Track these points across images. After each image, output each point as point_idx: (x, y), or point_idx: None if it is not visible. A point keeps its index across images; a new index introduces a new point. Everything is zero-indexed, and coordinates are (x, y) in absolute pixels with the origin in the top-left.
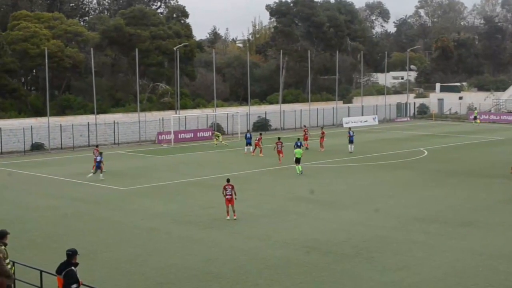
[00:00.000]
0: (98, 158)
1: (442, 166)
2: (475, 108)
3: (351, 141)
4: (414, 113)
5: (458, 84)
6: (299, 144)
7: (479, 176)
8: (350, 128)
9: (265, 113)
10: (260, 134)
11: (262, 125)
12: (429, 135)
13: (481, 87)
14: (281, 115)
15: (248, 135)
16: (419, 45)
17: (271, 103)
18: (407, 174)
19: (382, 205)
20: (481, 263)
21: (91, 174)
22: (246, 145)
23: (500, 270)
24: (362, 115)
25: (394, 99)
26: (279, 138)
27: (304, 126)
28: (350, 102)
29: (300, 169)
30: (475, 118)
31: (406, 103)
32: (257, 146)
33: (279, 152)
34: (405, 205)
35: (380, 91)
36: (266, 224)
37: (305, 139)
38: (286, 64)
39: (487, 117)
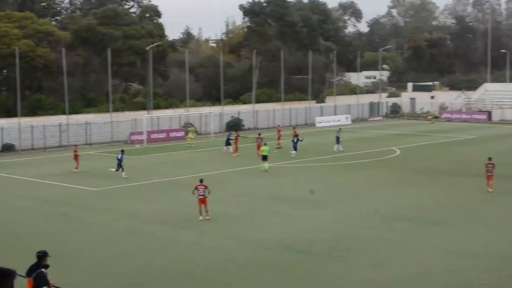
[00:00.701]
0: (120, 156)
1: (414, 165)
2: (446, 107)
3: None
4: (386, 113)
5: (430, 83)
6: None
7: (450, 175)
8: (340, 129)
9: (238, 112)
10: (237, 132)
11: (235, 125)
12: (401, 134)
13: (453, 86)
14: (255, 114)
15: (230, 135)
16: (392, 45)
17: (244, 103)
18: (380, 173)
19: (354, 204)
20: (452, 261)
21: (113, 170)
22: (226, 145)
23: (471, 268)
24: (335, 114)
25: (367, 98)
26: (259, 134)
27: (278, 125)
28: (323, 101)
29: (266, 167)
30: (435, 117)
31: (378, 103)
32: (235, 146)
33: (259, 147)
34: (377, 204)
35: (353, 90)
36: (240, 224)
37: (278, 138)
38: (259, 64)
39: (458, 116)
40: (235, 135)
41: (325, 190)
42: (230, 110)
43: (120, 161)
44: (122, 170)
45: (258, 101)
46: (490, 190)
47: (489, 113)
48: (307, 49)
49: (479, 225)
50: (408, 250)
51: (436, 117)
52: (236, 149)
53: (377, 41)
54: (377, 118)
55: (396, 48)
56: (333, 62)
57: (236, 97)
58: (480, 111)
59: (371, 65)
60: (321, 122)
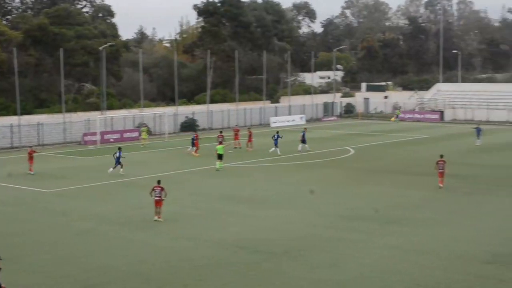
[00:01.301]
0: (118, 154)
1: (368, 164)
2: (399, 107)
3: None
4: (340, 112)
5: (383, 83)
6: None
7: (404, 174)
8: (305, 128)
9: (193, 113)
10: (196, 132)
11: (190, 125)
12: (355, 134)
13: (406, 87)
14: (209, 115)
15: (195, 136)
16: (346, 45)
17: (198, 103)
18: (335, 172)
19: (310, 204)
20: (407, 260)
21: (111, 170)
22: (192, 145)
23: (424, 266)
24: (290, 114)
25: (321, 98)
26: (220, 132)
27: (236, 125)
28: (278, 101)
29: (219, 166)
30: (397, 116)
31: (332, 103)
32: (196, 146)
33: (220, 144)
34: (333, 203)
35: (307, 90)
36: (196, 224)
37: (236, 139)
38: (213, 64)
39: (411, 115)
40: (195, 135)
41: (281, 190)
42: (185, 111)
43: (118, 159)
44: (121, 167)
45: (212, 101)
46: (441, 185)
47: (441, 113)
48: (262, 49)
49: (433, 223)
50: (363, 249)
51: (397, 116)
52: (196, 149)
53: (331, 42)
54: (332, 118)
55: (350, 49)
56: (287, 63)
57: (190, 97)
58: (433, 111)
59: (325, 65)
60: (275, 122)
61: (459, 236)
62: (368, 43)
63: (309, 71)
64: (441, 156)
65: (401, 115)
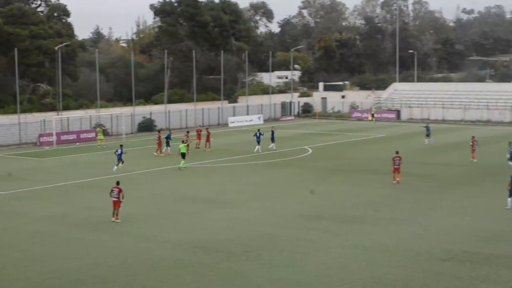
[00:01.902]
0: (119, 151)
1: (326, 164)
2: (375, 107)
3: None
4: (298, 112)
5: (340, 83)
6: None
7: (362, 173)
8: (273, 127)
9: (150, 113)
10: (159, 132)
11: (147, 126)
12: (313, 134)
13: (363, 86)
14: (167, 115)
15: (169, 136)
16: (303, 45)
17: (156, 103)
18: (293, 172)
19: (269, 203)
20: (365, 258)
21: (116, 168)
22: (167, 145)
23: (382, 264)
24: (248, 114)
25: (279, 98)
26: (187, 131)
27: (199, 126)
28: (236, 101)
29: (182, 164)
30: (373, 116)
31: (290, 102)
32: (159, 146)
33: (183, 142)
34: (291, 203)
35: (265, 90)
36: (154, 225)
37: (198, 139)
38: (171, 64)
39: (368, 115)
40: (158, 135)
41: (240, 190)
42: (142, 111)
43: (120, 155)
44: (122, 163)
45: (170, 101)
46: (395, 182)
47: (398, 112)
48: (219, 49)
49: (391, 222)
50: (322, 248)
51: (373, 115)
52: (157, 149)
53: (288, 41)
54: (289, 118)
55: (307, 48)
56: (245, 62)
57: (147, 98)
58: (390, 110)
59: (283, 65)
60: (233, 122)
61: (416, 234)
62: (325, 43)
63: (267, 70)
64: (397, 152)
65: (356, 115)
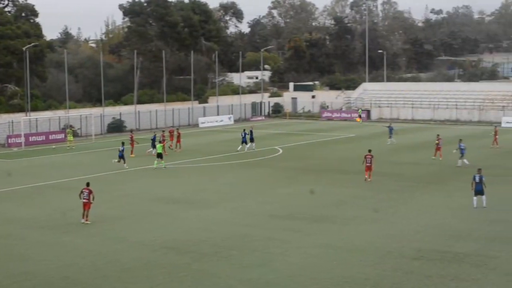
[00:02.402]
0: (121, 148)
1: (297, 164)
2: (360, 108)
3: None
4: (268, 112)
5: (310, 83)
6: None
7: (332, 172)
8: (252, 126)
9: (120, 114)
10: (132, 132)
11: (117, 126)
12: (284, 134)
13: (333, 86)
14: (136, 115)
15: (155, 137)
16: (273, 45)
17: (126, 103)
18: (264, 172)
19: (241, 203)
20: (336, 257)
21: (115, 160)
22: (153, 146)
23: (353, 263)
24: (218, 114)
25: (249, 98)
26: (163, 131)
27: (172, 127)
28: (206, 102)
29: (156, 164)
30: (360, 117)
31: (260, 103)
32: (132, 146)
33: (160, 142)
34: (262, 203)
35: (235, 90)
36: (125, 226)
37: (171, 139)
38: (140, 64)
39: (338, 115)
40: (130, 136)
41: (212, 190)
42: (112, 111)
43: (121, 152)
44: (124, 162)
45: (140, 102)
46: (369, 179)
47: (368, 112)
48: (189, 50)
49: (361, 221)
50: (293, 248)
51: (360, 116)
52: (131, 150)
53: (258, 42)
54: (260, 118)
55: (277, 49)
56: (215, 63)
57: (117, 98)
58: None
59: (253, 65)
60: (204, 123)
61: (387, 233)
62: (295, 43)
63: (237, 71)
64: (369, 150)
65: (326, 114)
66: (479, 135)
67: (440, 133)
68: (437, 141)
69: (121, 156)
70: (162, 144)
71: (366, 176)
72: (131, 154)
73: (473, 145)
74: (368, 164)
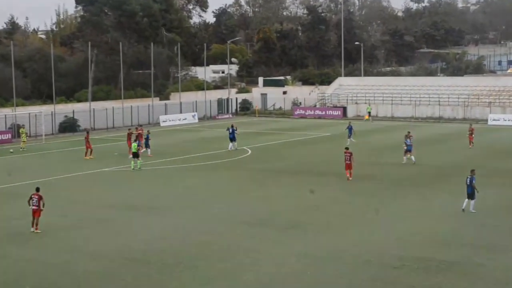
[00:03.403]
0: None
1: (267, 166)
2: (369, 105)
3: (232, 138)
4: (236, 109)
5: (282, 78)
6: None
7: (306, 175)
8: (232, 125)
9: (73, 112)
10: (87, 131)
11: (69, 126)
12: (253, 133)
13: (306, 81)
14: (91, 114)
15: (148, 136)
16: (240, 37)
17: (79, 100)
18: (231, 175)
19: (206, 209)
20: (310, 266)
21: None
22: (146, 147)
23: (327, 273)
24: (181, 112)
25: (215, 94)
26: (136, 128)
27: (140, 126)
28: (168, 98)
29: (134, 165)
30: (369, 114)
31: (227, 99)
32: (88, 148)
33: (129, 143)
34: (230, 208)
35: (200, 86)
36: (79, 235)
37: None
38: (95, 58)
39: (312, 112)
40: (85, 136)
41: (174, 194)
42: (64, 109)
43: (146, 141)
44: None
45: (94, 98)
46: (350, 178)
47: (344, 109)
48: (149, 41)
49: (338, 227)
50: (263, 257)
51: (369, 113)
52: (87, 151)
53: (224, 33)
54: (226, 116)
55: (245, 40)
56: (177, 56)
57: (70, 95)
58: (335, 107)
59: (219, 59)
60: (166, 121)
61: (366, 239)
62: (265, 34)
63: (201, 64)
64: (347, 148)
65: (299, 112)
66: (464, 133)
67: (422, 131)
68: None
69: (147, 145)
70: (136, 143)
71: (348, 175)
72: (85, 156)
73: (456, 145)
74: (347, 162)
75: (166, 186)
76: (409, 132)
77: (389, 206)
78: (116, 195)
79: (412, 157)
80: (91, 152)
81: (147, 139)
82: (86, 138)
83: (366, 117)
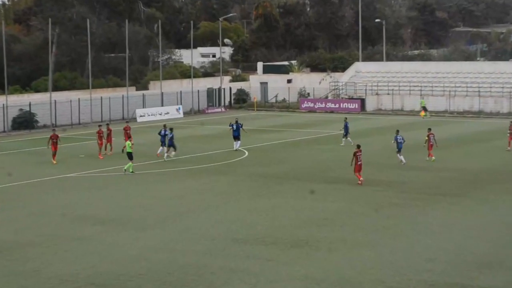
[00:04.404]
0: (170, 135)
1: (267, 170)
2: (422, 98)
3: (236, 137)
4: (230, 102)
5: (285, 63)
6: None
7: (314, 181)
8: (236, 121)
9: (30, 104)
10: (54, 130)
11: (25, 121)
12: (250, 130)
13: (315, 67)
14: (52, 106)
15: (163, 132)
16: (235, 13)
17: (37, 90)
18: (224, 181)
19: (192, 223)
20: None
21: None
22: (164, 145)
23: None
24: (162, 105)
25: (204, 83)
26: (127, 122)
27: (127, 122)
28: (146, 88)
29: (127, 166)
30: (425, 109)
31: (219, 89)
32: (53, 150)
33: (107, 141)
34: (222, 222)
35: (186, 73)
36: (37, 255)
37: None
38: (57, 38)
39: (323, 105)
40: (51, 135)
41: (154, 205)
42: (18, 101)
43: (171, 140)
44: (174, 149)
45: (56, 88)
46: (359, 183)
47: (362, 101)
48: (123, 18)
49: (351, 245)
50: (262, 282)
51: (424, 108)
52: (101, 148)
53: (215, 8)
54: (218, 110)
55: (240, 17)
56: (158, 36)
57: (26, 83)
58: (351, 99)
59: (209, 39)
60: (143, 116)
61: (385, 260)
62: (265, 10)
63: (187, 47)
64: (358, 146)
65: (306, 105)
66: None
67: (457, 128)
68: (427, 137)
69: (171, 144)
70: (129, 141)
71: (360, 179)
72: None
73: (499, 145)
74: (359, 163)
75: (145, 195)
76: (429, 129)
77: (413, 219)
78: (83, 206)
79: (402, 157)
80: (111, 148)
81: (163, 135)
82: (98, 133)
83: (422, 113)
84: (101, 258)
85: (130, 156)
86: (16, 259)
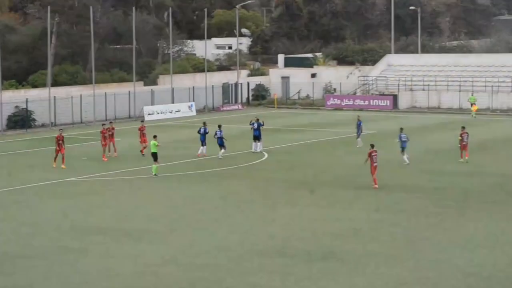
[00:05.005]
0: (219, 134)
1: (289, 175)
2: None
3: (257, 136)
4: (248, 98)
5: (310, 55)
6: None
7: (341, 187)
8: (257, 119)
9: (26, 101)
10: (60, 130)
11: (22, 120)
12: (270, 130)
13: (342, 60)
14: (51, 104)
15: (202, 130)
16: None
17: (35, 86)
18: (241, 186)
19: (203, 234)
20: None
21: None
22: (205, 145)
23: None
24: (173, 102)
25: (219, 78)
26: (111, 122)
27: (142, 122)
28: (155, 83)
29: (154, 171)
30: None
31: (236, 84)
32: (104, 146)
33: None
34: (238, 232)
35: (199, 66)
36: (27, 270)
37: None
38: (56, 27)
39: (351, 102)
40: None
41: (161, 214)
42: (14, 97)
43: (221, 140)
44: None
45: (56, 83)
46: (376, 186)
47: (394, 97)
48: (129, 6)
49: (384, 259)
50: None
51: (473, 104)
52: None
53: None
54: (235, 107)
55: (260, 5)
56: (168, 25)
57: (22, 78)
58: (382, 95)
59: (225, 29)
60: (152, 114)
61: (422, 276)
62: None
63: (200, 37)
64: (372, 146)
65: (332, 102)
66: None
67: (500, 128)
68: (460, 137)
69: (221, 144)
70: (156, 141)
71: (375, 184)
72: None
73: None
74: (375, 164)
75: (149, 202)
76: (463, 128)
77: (451, 230)
78: (80, 215)
79: (405, 157)
80: (114, 149)
81: (203, 133)
82: (102, 133)
83: (474, 109)
84: (97, 273)
85: (155, 156)
86: (5, 274)
